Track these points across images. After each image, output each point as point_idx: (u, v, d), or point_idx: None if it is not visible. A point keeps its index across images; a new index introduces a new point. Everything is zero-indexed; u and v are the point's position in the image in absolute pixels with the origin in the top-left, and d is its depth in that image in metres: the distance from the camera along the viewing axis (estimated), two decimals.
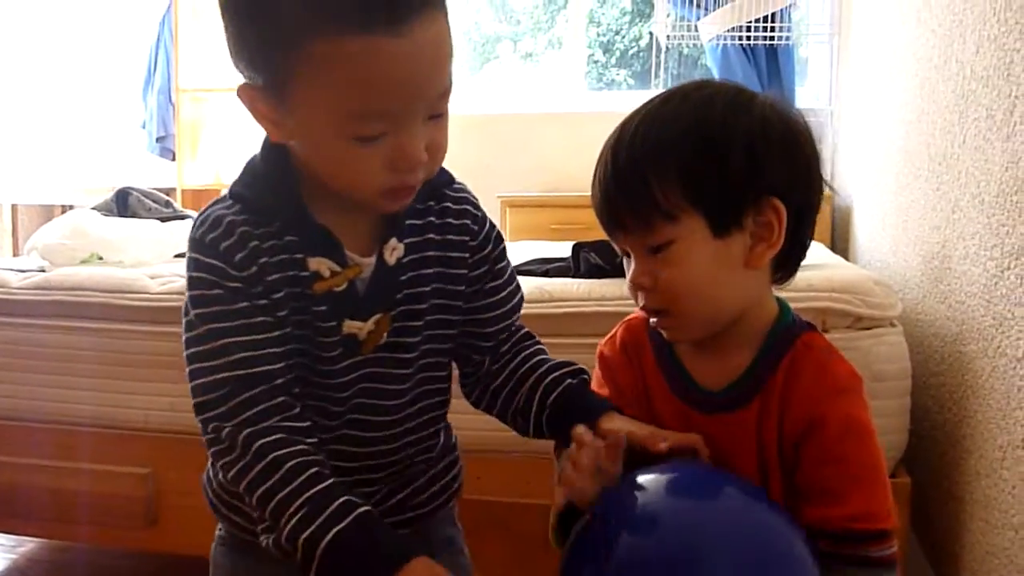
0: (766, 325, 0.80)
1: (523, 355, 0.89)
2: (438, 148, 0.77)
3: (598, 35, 3.99)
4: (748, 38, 3.14)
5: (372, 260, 0.78)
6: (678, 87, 0.79)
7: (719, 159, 0.73)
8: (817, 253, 1.99)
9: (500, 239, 0.89)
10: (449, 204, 0.85)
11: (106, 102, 4.13)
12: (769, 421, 0.76)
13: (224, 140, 3.83)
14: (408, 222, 0.81)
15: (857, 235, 2.56)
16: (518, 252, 2.16)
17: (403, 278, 0.80)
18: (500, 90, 3.91)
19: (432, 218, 0.83)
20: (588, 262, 1.62)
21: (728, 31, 3.14)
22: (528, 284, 1.56)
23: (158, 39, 3.89)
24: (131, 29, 4.05)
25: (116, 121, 4.11)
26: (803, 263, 1.83)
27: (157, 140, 3.89)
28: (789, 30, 3.17)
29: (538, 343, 0.92)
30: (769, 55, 3.19)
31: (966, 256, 1.33)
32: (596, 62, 4.03)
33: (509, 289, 0.89)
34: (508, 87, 3.96)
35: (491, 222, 0.89)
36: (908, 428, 1.40)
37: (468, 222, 0.86)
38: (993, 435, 1.17)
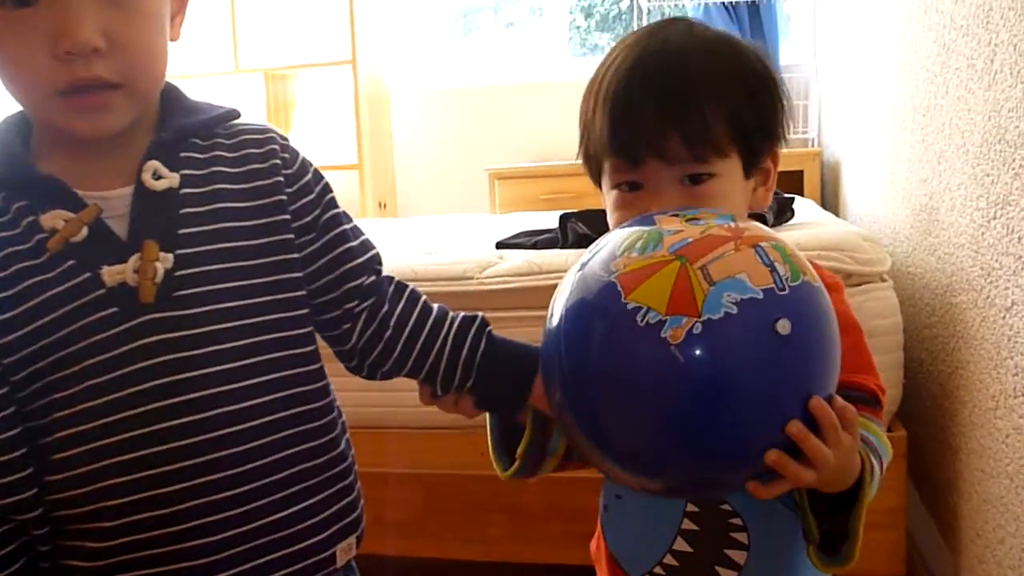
0: None
1: (407, 312, 0.73)
2: (124, 41, 0.62)
3: (578, 1, 3.95)
4: None
5: (125, 192, 0.66)
6: (680, 20, 0.78)
7: (756, 95, 0.74)
8: (807, 210, 1.98)
9: (328, 188, 0.76)
10: (250, 137, 0.73)
11: None
12: None
13: None
14: (184, 154, 0.68)
15: (846, 190, 2.55)
16: (507, 225, 2.15)
17: (184, 211, 0.66)
18: (483, 61, 3.88)
19: (222, 151, 0.71)
20: (576, 232, 1.62)
21: None
22: (517, 257, 1.55)
23: None
24: None
25: None
26: (792, 222, 1.81)
27: None
28: None
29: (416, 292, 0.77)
30: (752, 12, 3.16)
31: (953, 207, 1.32)
32: (578, 28, 3.99)
33: (360, 240, 0.75)
34: (491, 58, 3.92)
35: (315, 169, 0.76)
36: (902, 381, 1.41)
37: (277, 162, 0.72)
38: (986, 384, 1.18)
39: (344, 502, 0.74)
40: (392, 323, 0.73)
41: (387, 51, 3.67)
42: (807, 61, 3.16)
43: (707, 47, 0.74)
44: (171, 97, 0.72)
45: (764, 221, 1.56)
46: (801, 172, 2.82)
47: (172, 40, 0.69)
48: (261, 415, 0.67)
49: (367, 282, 0.74)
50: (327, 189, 0.76)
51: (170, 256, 0.64)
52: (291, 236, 0.70)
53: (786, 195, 1.78)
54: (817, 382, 0.59)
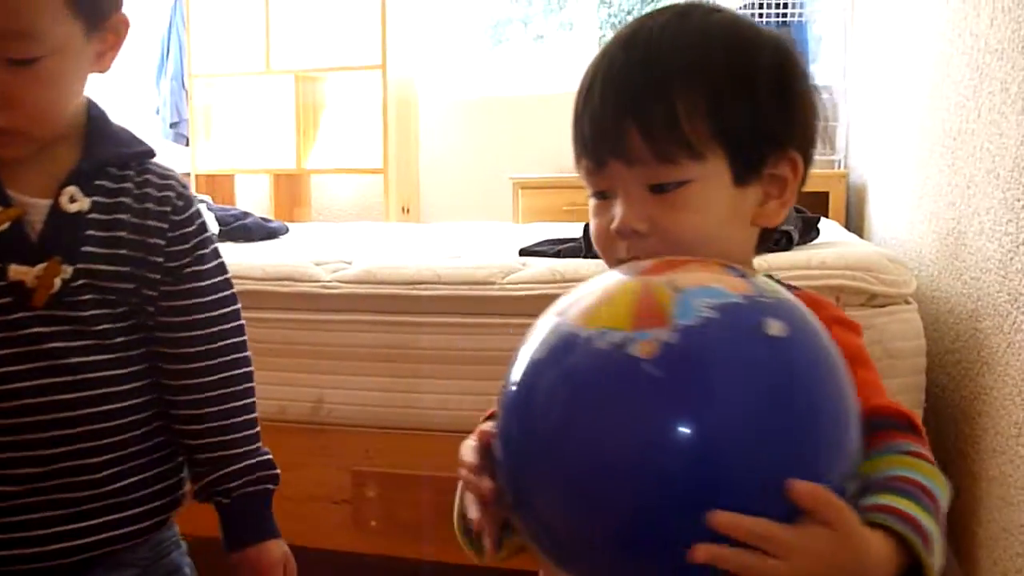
0: None
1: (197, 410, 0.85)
2: (20, 101, 0.72)
3: (609, 16, 3.96)
4: (761, 15, 3.10)
5: (46, 204, 0.77)
6: (689, 3, 0.68)
7: (751, 90, 0.64)
8: (832, 231, 1.97)
9: (206, 244, 0.86)
10: (152, 178, 0.83)
11: (119, 89, 4.14)
12: None
13: (237, 124, 3.84)
14: (98, 182, 0.79)
15: (871, 213, 2.54)
16: (531, 233, 2.16)
17: (88, 233, 0.78)
18: (510, 72, 3.90)
19: (130, 184, 0.81)
20: None
21: (741, 7, 3.11)
22: (540, 264, 1.56)
23: (170, 25, 3.90)
24: (143, 15, 4.06)
25: (129, 108, 4.13)
26: (817, 241, 1.81)
27: (171, 126, 3.91)
28: (803, 6, 3.14)
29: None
30: (782, 32, 3.16)
31: (981, 232, 1.31)
32: None
33: (209, 314, 0.85)
34: (518, 69, 3.94)
35: (202, 223, 0.86)
36: (923, 405, 1.40)
37: (168, 209, 0.82)
38: (1008, 411, 1.16)
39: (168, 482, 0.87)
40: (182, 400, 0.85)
41: (417, 58, 3.69)
42: (836, 83, 3.16)
43: (698, 32, 0.64)
44: (97, 122, 0.83)
45: (788, 238, 1.55)
46: (827, 193, 2.81)
47: (101, 71, 0.81)
48: (116, 413, 0.80)
49: (190, 351, 0.84)
50: (205, 245, 0.86)
51: (70, 268, 0.76)
52: (157, 276, 0.82)
53: (812, 214, 1.77)
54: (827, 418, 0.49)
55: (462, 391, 1.45)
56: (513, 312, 1.39)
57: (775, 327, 0.48)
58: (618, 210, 0.64)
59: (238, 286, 1.57)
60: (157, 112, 3.98)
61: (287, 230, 2.36)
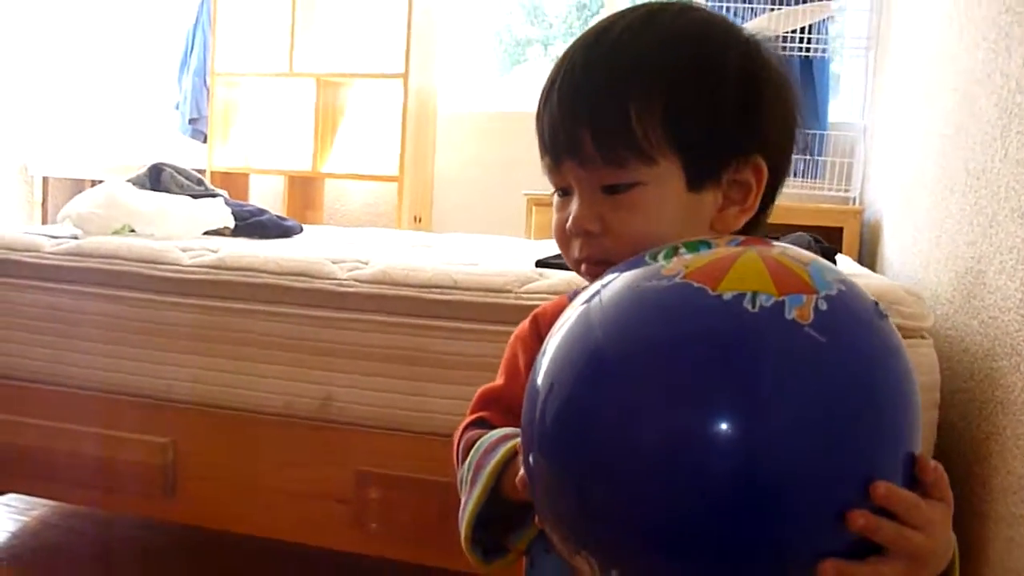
0: None
1: None
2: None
3: None
4: (784, 48, 3.12)
5: None
6: (661, 2, 0.67)
7: (712, 96, 0.63)
8: (845, 266, 1.97)
9: None
10: None
11: (141, 82, 4.17)
12: None
13: (255, 124, 3.86)
14: None
15: (886, 250, 2.54)
16: (543, 248, 2.16)
17: None
18: (528, 89, 3.92)
19: None
20: None
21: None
22: (557, 276, 1.56)
23: (196, 21, 3.93)
24: (170, 10, 4.09)
25: (150, 101, 4.15)
26: None
27: (190, 122, 3.93)
28: (826, 42, 3.16)
29: None
30: (803, 67, 3.17)
31: (1002, 270, 1.31)
32: None
33: None
34: (537, 87, 3.97)
35: None
36: (934, 443, 1.39)
37: None
38: (1022, 451, 1.16)
39: None
40: None
41: (439, 69, 3.72)
42: (855, 120, 3.17)
43: (663, 35, 0.64)
44: None
45: None
46: (841, 229, 2.81)
47: None
48: None
49: None
50: None
51: None
52: None
53: (829, 245, 1.77)
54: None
55: (469, 396, 1.44)
56: None
57: (883, 307, 0.52)
58: (573, 209, 0.65)
59: (254, 279, 1.60)
60: (177, 107, 4.00)
61: (302, 229, 2.36)
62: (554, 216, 0.68)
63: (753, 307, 0.47)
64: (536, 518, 0.55)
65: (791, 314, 0.47)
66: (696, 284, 0.49)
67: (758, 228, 0.69)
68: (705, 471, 0.44)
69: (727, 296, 0.48)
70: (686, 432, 0.45)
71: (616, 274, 0.54)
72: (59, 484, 1.72)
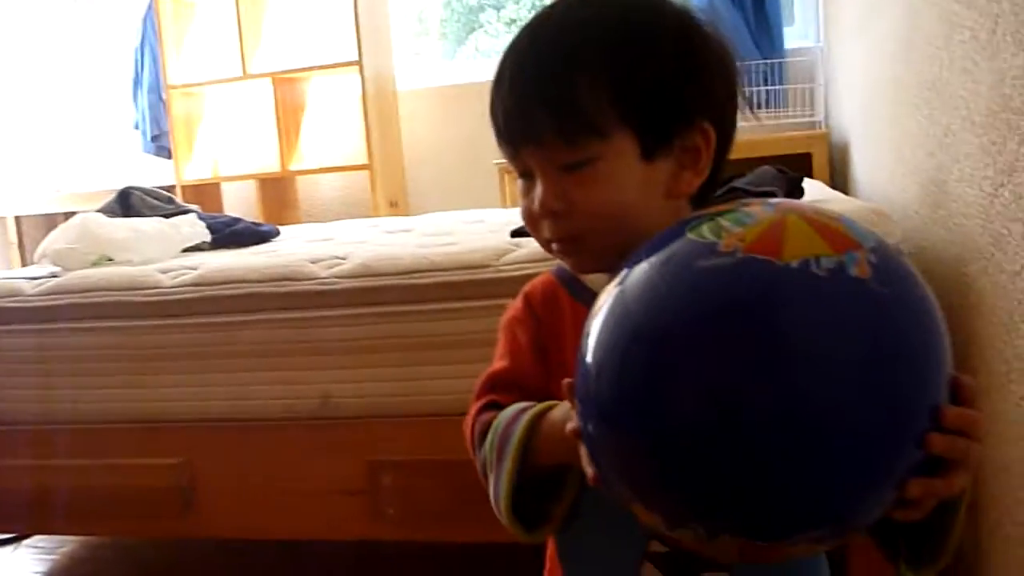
0: None
1: None
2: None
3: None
4: None
5: None
6: None
7: (654, 63, 0.65)
8: (816, 190, 2.00)
9: None
10: None
11: (96, 106, 4.13)
12: None
13: (219, 133, 3.84)
14: None
15: (855, 171, 2.56)
16: (517, 218, 2.17)
17: None
18: (486, 58, 3.90)
19: None
20: None
21: None
22: (532, 244, 1.58)
23: (142, 38, 3.88)
24: (114, 30, 4.05)
25: (109, 124, 4.12)
26: (802, 199, 1.83)
27: (152, 139, 3.90)
28: None
29: None
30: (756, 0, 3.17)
31: (961, 178, 1.34)
32: None
33: None
34: (494, 55, 3.95)
35: None
36: None
37: None
38: (999, 350, 1.20)
39: None
40: None
41: (392, 51, 3.70)
42: (812, 46, 3.17)
43: (598, 11, 0.66)
44: None
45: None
46: (809, 155, 2.83)
47: None
48: None
49: None
50: None
51: None
52: None
53: (794, 174, 1.79)
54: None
55: (466, 374, 1.45)
56: (511, 293, 1.41)
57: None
58: (538, 191, 0.67)
59: (237, 291, 1.61)
60: (136, 127, 3.97)
61: (278, 233, 2.37)
62: (520, 202, 0.70)
63: (819, 270, 0.49)
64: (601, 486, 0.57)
65: (853, 271, 0.50)
66: (761, 257, 0.50)
67: (713, 187, 0.71)
68: (822, 431, 0.48)
69: (794, 264, 0.49)
70: (805, 396, 0.48)
71: (659, 253, 0.55)
72: (82, 519, 1.75)
